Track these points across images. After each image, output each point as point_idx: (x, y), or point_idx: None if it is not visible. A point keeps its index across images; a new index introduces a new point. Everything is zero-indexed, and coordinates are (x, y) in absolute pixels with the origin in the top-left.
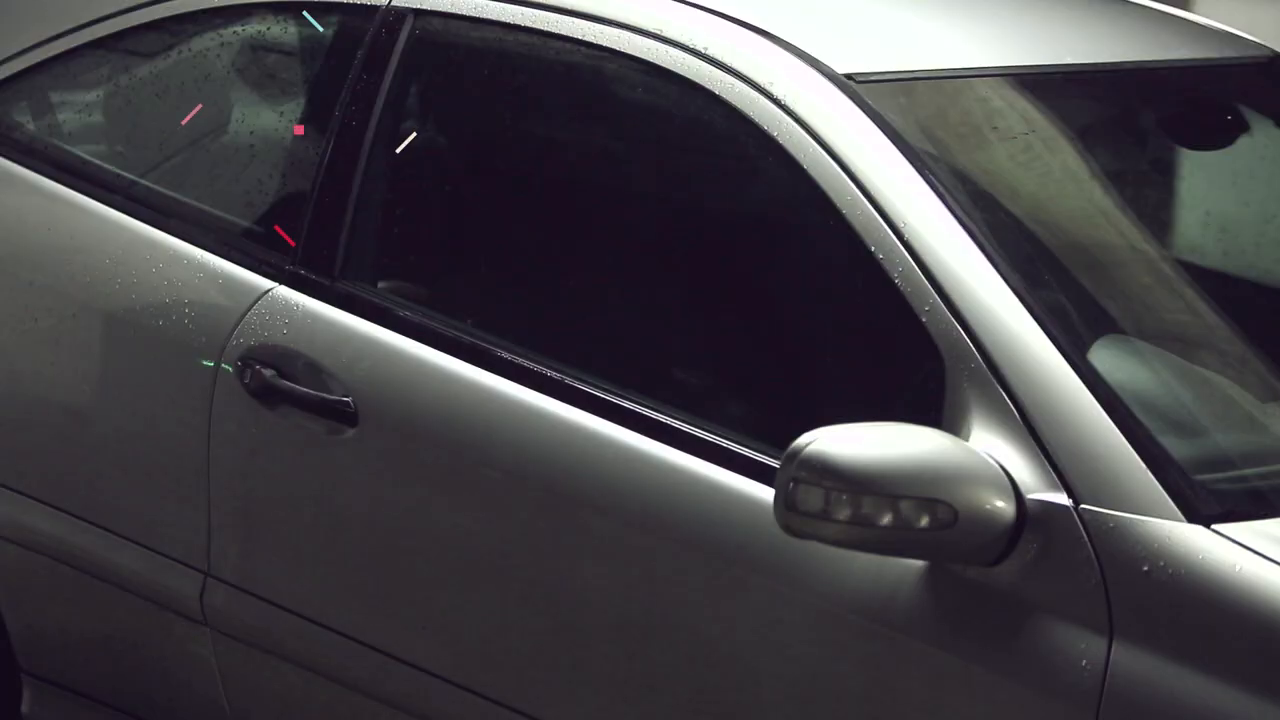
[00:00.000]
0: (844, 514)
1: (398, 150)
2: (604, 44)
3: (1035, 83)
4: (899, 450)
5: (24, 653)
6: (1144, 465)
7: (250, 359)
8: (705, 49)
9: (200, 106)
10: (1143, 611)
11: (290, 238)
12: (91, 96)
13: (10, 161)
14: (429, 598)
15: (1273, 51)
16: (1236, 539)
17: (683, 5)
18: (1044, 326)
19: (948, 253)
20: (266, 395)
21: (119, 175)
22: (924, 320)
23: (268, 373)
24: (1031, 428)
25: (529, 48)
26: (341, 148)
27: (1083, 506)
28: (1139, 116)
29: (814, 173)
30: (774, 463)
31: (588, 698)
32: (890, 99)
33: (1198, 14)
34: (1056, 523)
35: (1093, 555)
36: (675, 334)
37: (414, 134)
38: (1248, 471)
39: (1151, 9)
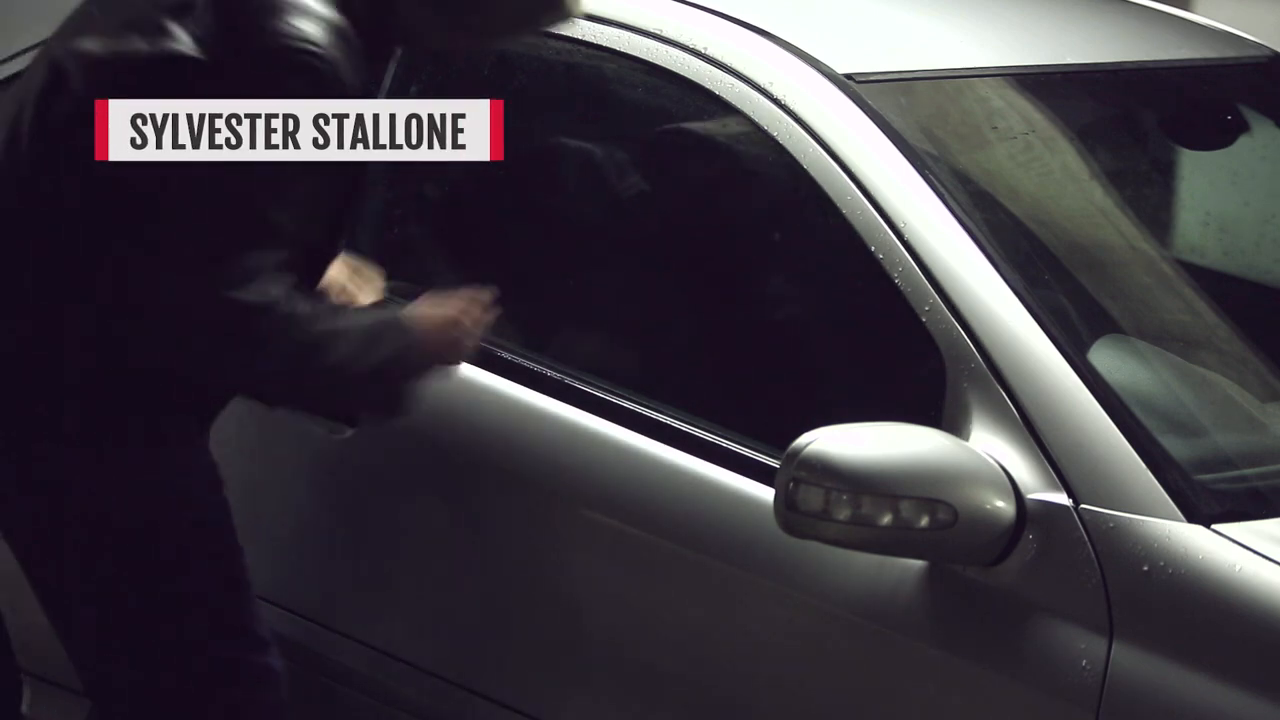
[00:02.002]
0: (844, 514)
1: None
2: (604, 44)
3: (1035, 83)
4: (899, 450)
5: (24, 653)
6: (1144, 465)
7: None
8: (705, 49)
9: None
10: (1143, 611)
11: None
12: None
13: None
14: (428, 597)
15: (1273, 51)
16: (1236, 539)
17: (683, 5)
18: (1044, 326)
19: (948, 253)
20: None
21: None
22: (924, 320)
23: None
24: (1031, 428)
25: (528, 47)
26: None
27: (1083, 506)
28: (1139, 116)
29: (814, 173)
30: (774, 463)
31: (587, 697)
32: (890, 99)
33: (1198, 14)
34: (1056, 523)
35: (1093, 555)
36: (675, 334)
37: None
38: (1248, 471)
39: (1151, 9)
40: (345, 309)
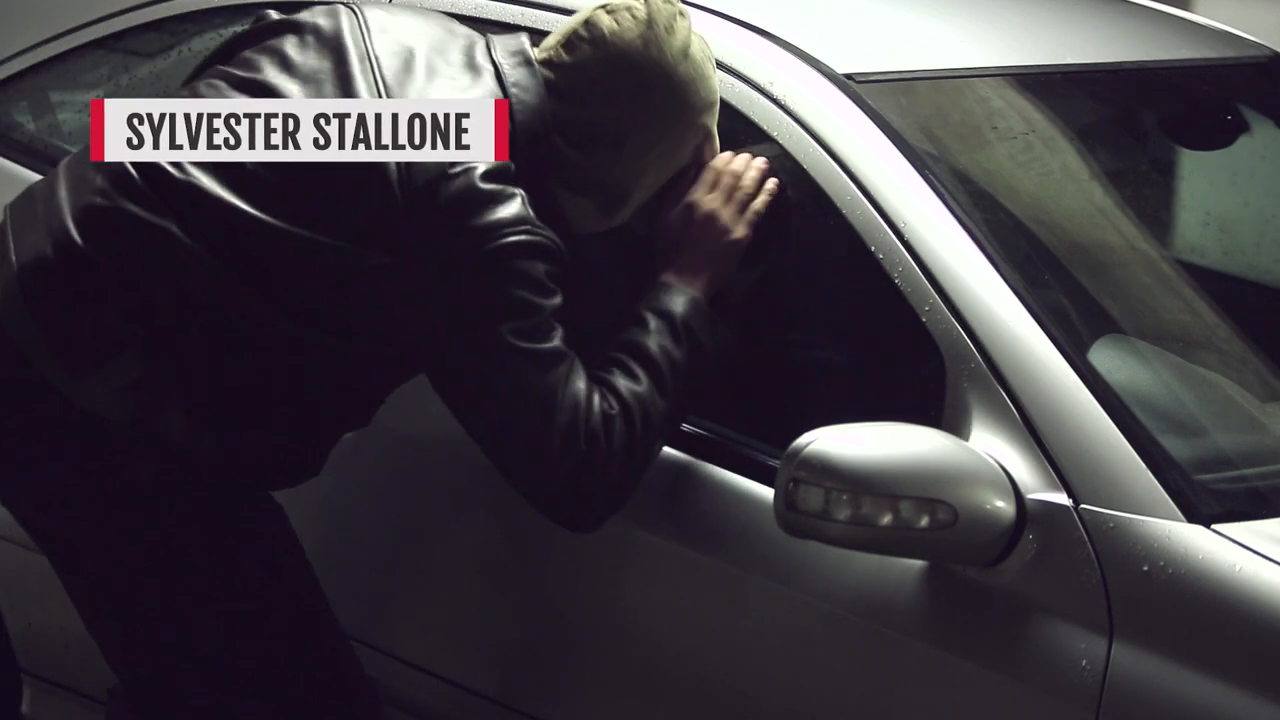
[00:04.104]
0: (844, 514)
1: None
2: None
3: (1035, 83)
4: (899, 450)
5: (24, 653)
6: (1144, 465)
7: None
8: None
9: None
10: (1143, 611)
11: None
12: (91, 96)
13: (10, 161)
14: (429, 597)
15: (1273, 51)
16: (1236, 539)
17: (682, 5)
18: (1044, 326)
19: (948, 253)
20: None
21: None
22: (924, 320)
23: None
24: (1031, 428)
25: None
26: None
27: (1083, 506)
28: (1139, 116)
29: (814, 173)
30: (774, 463)
31: (587, 697)
32: (890, 99)
33: (1198, 14)
34: (1056, 523)
35: (1093, 555)
36: None
37: None
38: (1248, 471)
39: (1151, 9)
40: (630, 344)
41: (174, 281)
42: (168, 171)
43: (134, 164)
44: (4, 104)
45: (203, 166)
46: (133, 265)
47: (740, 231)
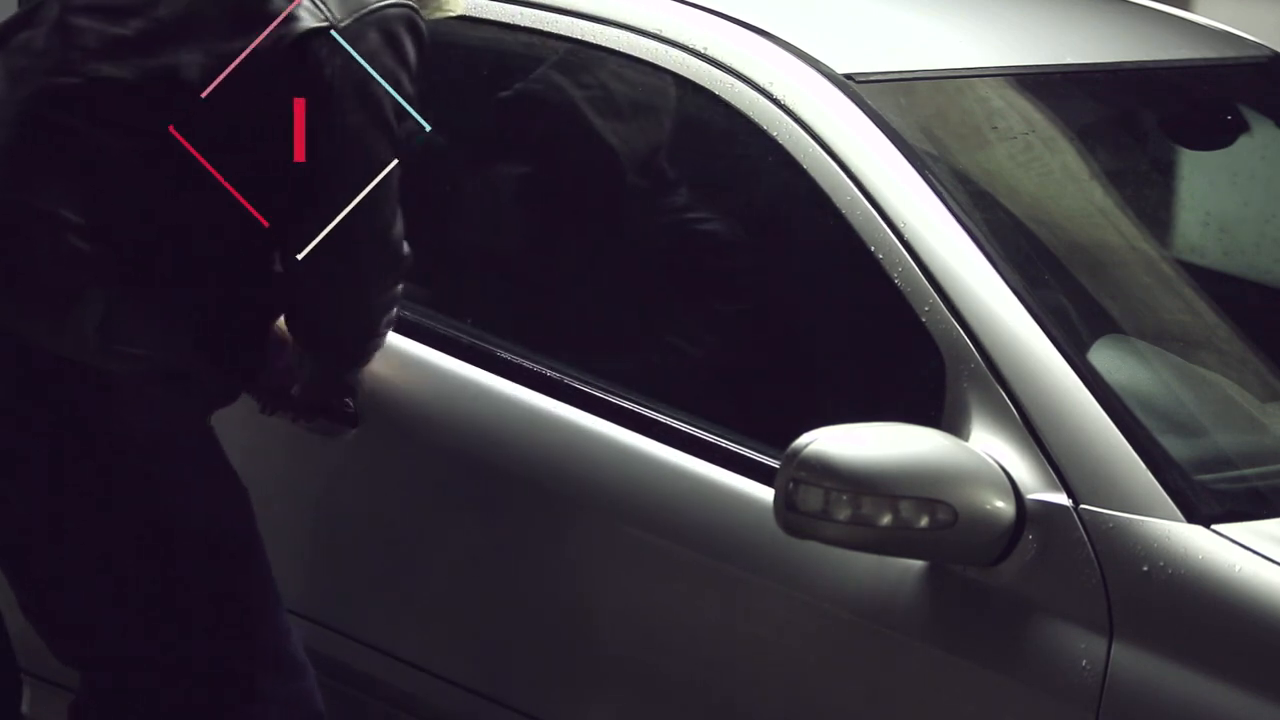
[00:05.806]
0: (844, 514)
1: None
2: (604, 44)
3: (1035, 83)
4: (899, 450)
5: (24, 653)
6: (1144, 465)
7: None
8: (705, 49)
9: None
10: (1143, 611)
11: None
12: None
13: None
14: (429, 597)
15: (1273, 51)
16: (1236, 539)
17: (683, 5)
18: (1044, 326)
19: (948, 253)
20: None
21: None
22: (924, 320)
23: None
24: (1031, 428)
25: (528, 48)
26: None
27: (1082, 506)
28: (1139, 116)
29: (814, 173)
30: (774, 463)
31: (587, 697)
32: (890, 99)
33: (1198, 14)
34: (1056, 523)
35: (1093, 555)
36: (676, 334)
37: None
38: (1248, 471)
39: (1151, 9)
40: None
41: (100, 183)
42: (73, 83)
43: (40, 93)
44: None
45: (106, 59)
46: (58, 175)
47: None
